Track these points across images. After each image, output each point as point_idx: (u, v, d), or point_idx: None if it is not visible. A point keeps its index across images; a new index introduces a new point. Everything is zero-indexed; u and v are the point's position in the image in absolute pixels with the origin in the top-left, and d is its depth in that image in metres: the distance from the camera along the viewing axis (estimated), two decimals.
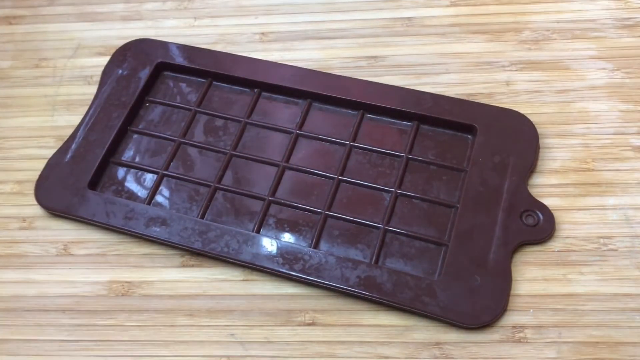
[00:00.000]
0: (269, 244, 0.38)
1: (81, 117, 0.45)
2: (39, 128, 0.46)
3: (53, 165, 0.42)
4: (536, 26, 0.47)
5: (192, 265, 0.39)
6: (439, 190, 0.40)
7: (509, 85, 0.44)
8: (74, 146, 0.43)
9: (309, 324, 0.37)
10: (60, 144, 0.43)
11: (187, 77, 0.46)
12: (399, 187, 0.40)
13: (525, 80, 0.44)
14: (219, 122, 0.44)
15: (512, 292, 0.37)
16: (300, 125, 0.43)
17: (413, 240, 0.39)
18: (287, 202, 0.40)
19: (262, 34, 0.49)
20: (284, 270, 0.37)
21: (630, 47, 0.45)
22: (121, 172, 0.43)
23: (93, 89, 0.46)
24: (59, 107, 0.46)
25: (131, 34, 0.49)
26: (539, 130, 0.41)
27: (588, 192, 0.40)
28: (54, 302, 0.39)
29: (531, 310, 0.36)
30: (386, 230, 0.39)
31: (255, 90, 0.45)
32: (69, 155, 0.43)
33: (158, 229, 0.39)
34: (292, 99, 0.45)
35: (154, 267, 0.39)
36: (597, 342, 0.35)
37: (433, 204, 0.40)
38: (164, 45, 0.47)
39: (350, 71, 0.45)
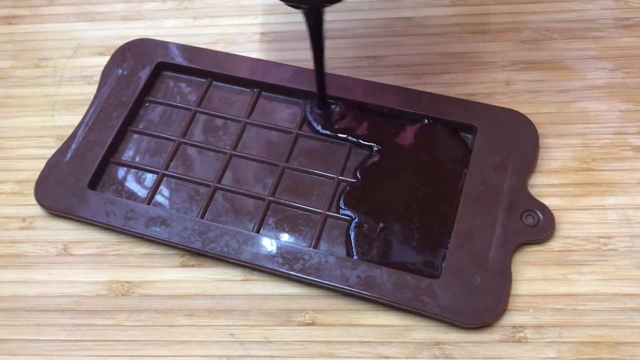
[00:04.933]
0: (269, 244, 0.38)
1: (81, 117, 0.45)
2: (39, 128, 0.46)
3: (53, 165, 0.42)
4: (536, 26, 0.47)
5: (192, 265, 0.39)
6: None
7: (509, 85, 0.44)
8: (74, 146, 0.43)
9: (309, 324, 0.37)
10: (60, 144, 0.43)
11: (187, 77, 0.46)
12: None
13: (525, 80, 0.44)
14: (219, 122, 0.44)
15: (512, 292, 0.37)
16: (301, 125, 0.43)
17: None
18: (287, 202, 0.40)
19: (262, 34, 0.49)
20: (284, 270, 0.37)
21: (630, 47, 0.45)
22: (121, 172, 0.43)
23: (93, 89, 0.46)
24: (59, 107, 0.46)
25: (131, 34, 0.49)
26: (539, 130, 0.41)
27: (588, 192, 0.40)
28: (53, 302, 0.39)
29: (531, 310, 0.36)
30: None
31: (255, 90, 0.45)
32: (69, 155, 0.43)
33: (158, 229, 0.39)
34: (292, 99, 0.45)
35: (153, 267, 0.39)
36: (597, 342, 0.35)
37: None
38: (164, 45, 0.47)
39: (350, 71, 0.45)
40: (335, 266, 0.37)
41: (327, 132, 0.43)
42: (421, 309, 0.36)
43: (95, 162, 0.42)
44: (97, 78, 0.47)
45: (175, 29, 0.49)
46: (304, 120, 0.43)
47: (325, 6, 0.36)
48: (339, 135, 0.42)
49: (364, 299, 0.37)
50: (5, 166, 0.44)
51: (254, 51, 0.47)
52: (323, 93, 0.42)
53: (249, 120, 0.44)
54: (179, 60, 0.46)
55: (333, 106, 0.43)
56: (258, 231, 0.39)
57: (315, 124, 0.43)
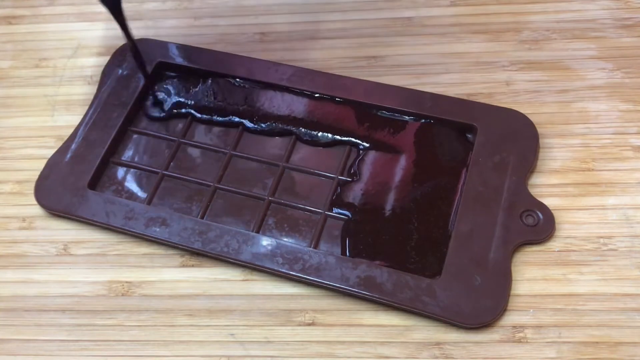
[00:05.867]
0: (269, 244, 0.38)
1: (81, 117, 0.45)
2: (39, 128, 0.46)
3: (53, 165, 0.42)
4: (536, 26, 0.47)
5: (192, 265, 0.39)
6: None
7: (509, 85, 0.44)
8: (73, 146, 0.43)
9: (309, 324, 0.37)
10: (60, 144, 0.43)
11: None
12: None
13: (525, 80, 0.44)
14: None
15: (512, 292, 0.37)
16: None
17: None
18: (287, 202, 0.40)
19: (262, 34, 0.49)
20: (284, 270, 0.37)
21: (630, 47, 0.45)
22: (121, 172, 0.43)
23: (93, 89, 0.46)
24: (59, 107, 0.46)
25: None
26: (539, 130, 0.41)
27: (588, 192, 0.40)
28: (54, 302, 0.39)
29: (531, 310, 0.36)
30: None
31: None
32: (68, 155, 0.43)
33: (158, 229, 0.39)
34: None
35: (154, 267, 0.39)
36: (597, 342, 0.35)
37: None
38: (164, 45, 0.47)
39: (350, 71, 0.45)
40: (335, 266, 0.37)
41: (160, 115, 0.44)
42: (421, 309, 0.36)
43: (95, 162, 0.42)
44: (97, 78, 0.47)
45: (175, 29, 0.49)
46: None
47: None
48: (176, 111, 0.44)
49: (364, 299, 0.37)
50: (5, 166, 0.44)
51: (254, 51, 0.47)
52: (143, 68, 0.44)
53: None
54: (179, 60, 0.46)
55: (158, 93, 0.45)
56: (258, 231, 0.39)
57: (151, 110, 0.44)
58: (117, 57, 0.47)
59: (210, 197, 0.41)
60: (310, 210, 0.40)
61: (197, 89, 0.45)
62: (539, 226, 0.38)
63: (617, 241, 0.38)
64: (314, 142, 0.42)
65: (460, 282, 0.36)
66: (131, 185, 0.42)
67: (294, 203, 0.40)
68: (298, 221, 0.40)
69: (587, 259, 0.37)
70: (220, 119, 0.44)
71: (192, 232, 0.39)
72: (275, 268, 0.38)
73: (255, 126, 0.43)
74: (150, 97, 0.45)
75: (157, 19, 0.50)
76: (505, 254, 0.37)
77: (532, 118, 0.42)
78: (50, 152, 0.43)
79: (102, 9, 0.51)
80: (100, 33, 0.50)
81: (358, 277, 0.37)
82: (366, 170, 0.41)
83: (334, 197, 0.40)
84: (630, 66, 0.44)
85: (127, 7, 0.51)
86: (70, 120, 0.45)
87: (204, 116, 0.44)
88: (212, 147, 0.43)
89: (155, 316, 0.38)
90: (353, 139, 0.42)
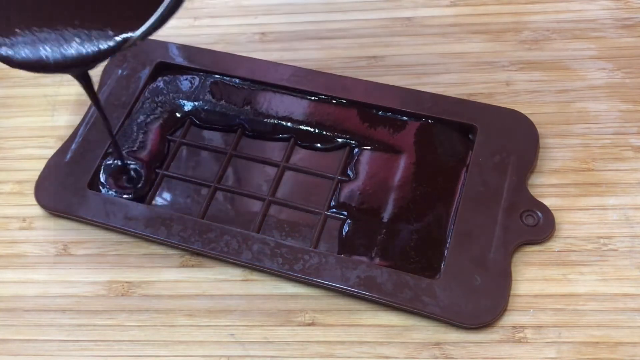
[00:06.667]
0: (269, 244, 0.38)
1: (81, 117, 0.45)
2: (39, 128, 0.46)
3: (53, 165, 0.42)
4: (536, 26, 0.47)
5: (192, 265, 0.39)
6: None
7: (509, 85, 0.44)
8: (73, 146, 0.43)
9: (309, 324, 0.37)
10: (60, 144, 0.43)
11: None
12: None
13: (525, 80, 0.44)
14: None
15: (512, 292, 0.37)
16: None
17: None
18: (287, 202, 0.40)
19: (262, 34, 0.49)
20: (284, 270, 0.37)
21: (630, 47, 0.45)
22: None
23: None
24: (59, 107, 0.46)
25: None
26: (539, 130, 0.41)
27: (588, 192, 0.40)
28: (54, 302, 0.39)
29: (531, 310, 0.36)
30: None
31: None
32: (68, 155, 0.43)
33: (158, 229, 0.39)
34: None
35: (153, 267, 0.39)
36: (597, 342, 0.35)
37: None
38: (163, 45, 0.47)
39: (350, 71, 0.45)
40: (335, 266, 0.37)
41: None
42: (421, 309, 0.36)
43: (95, 162, 0.42)
44: (97, 78, 0.46)
45: (175, 29, 0.49)
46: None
47: (91, 68, 0.35)
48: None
49: (364, 299, 0.37)
50: (5, 166, 0.44)
51: (254, 51, 0.47)
52: (119, 152, 0.41)
53: None
54: (179, 60, 0.46)
55: (132, 167, 0.42)
56: (258, 231, 0.39)
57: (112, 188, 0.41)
58: (117, 57, 0.47)
59: (210, 197, 0.41)
60: (310, 210, 0.40)
61: (196, 89, 0.45)
62: (539, 226, 0.38)
63: (617, 241, 0.38)
64: (314, 142, 0.42)
65: (460, 282, 0.36)
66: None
67: (293, 203, 0.40)
68: (298, 221, 0.40)
69: (587, 259, 0.37)
70: (220, 119, 0.44)
71: (192, 232, 0.39)
72: (275, 268, 0.38)
73: (255, 126, 0.43)
74: (124, 175, 0.42)
75: None
76: (505, 254, 0.37)
77: (532, 118, 0.42)
78: (50, 152, 0.43)
79: None
80: None
81: (358, 277, 0.37)
82: (366, 170, 0.41)
83: (334, 197, 0.40)
84: (630, 66, 0.44)
85: None
86: (70, 120, 0.45)
87: (203, 116, 0.44)
88: (212, 148, 0.43)
89: (155, 316, 0.38)
90: (353, 139, 0.42)
